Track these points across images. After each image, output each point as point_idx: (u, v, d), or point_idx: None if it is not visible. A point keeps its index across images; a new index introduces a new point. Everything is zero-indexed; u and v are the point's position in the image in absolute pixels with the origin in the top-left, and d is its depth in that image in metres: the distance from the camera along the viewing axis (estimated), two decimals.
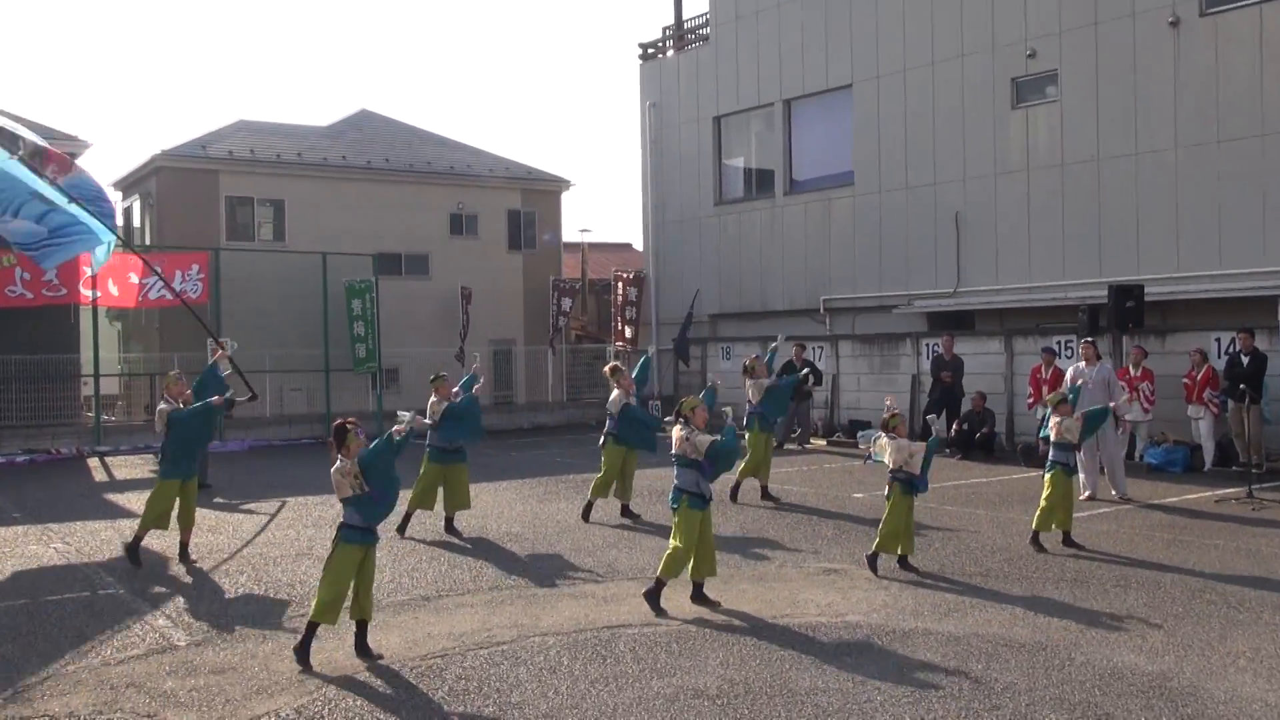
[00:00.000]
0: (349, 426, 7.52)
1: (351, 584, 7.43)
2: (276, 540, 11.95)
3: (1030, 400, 18.06)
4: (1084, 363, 14.32)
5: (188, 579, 10.09)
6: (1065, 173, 21.26)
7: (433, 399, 12.32)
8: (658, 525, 12.35)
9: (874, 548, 9.83)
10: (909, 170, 23.82)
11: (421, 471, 12.27)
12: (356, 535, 7.39)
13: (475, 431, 12.30)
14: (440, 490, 12.27)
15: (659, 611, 8.45)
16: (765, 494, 14.27)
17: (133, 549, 10.73)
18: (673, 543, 8.69)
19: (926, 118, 23.46)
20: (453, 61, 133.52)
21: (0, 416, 22.21)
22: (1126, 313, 17.25)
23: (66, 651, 7.70)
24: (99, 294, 22.79)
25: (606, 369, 13.11)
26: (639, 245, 39.09)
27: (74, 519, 13.65)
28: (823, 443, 21.94)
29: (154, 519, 10.83)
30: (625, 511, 13.04)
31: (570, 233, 36.11)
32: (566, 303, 30.40)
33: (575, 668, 7.12)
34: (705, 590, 8.82)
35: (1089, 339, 14.97)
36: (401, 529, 12.07)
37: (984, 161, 22.49)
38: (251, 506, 14.44)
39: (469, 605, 8.86)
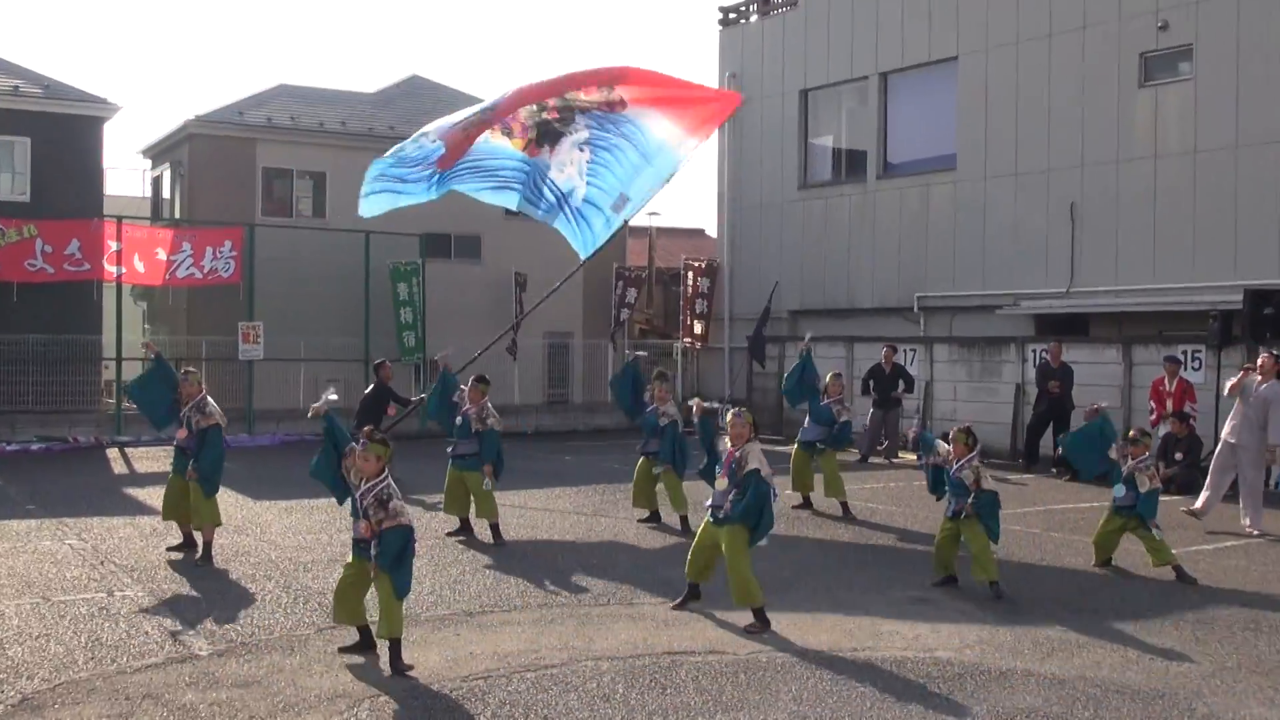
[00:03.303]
0: (359, 440, 8.05)
1: (351, 587, 7.98)
2: (308, 545, 12.11)
3: (1153, 416, 17.75)
4: (1260, 376, 13.62)
5: (211, 584, 10.25)
6: (1198, 161, 20.85)
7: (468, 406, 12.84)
8: None
9: (986, 579, 10.05)
10: (1019, 155, 23.51)
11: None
12: (355, 547, 8.00)
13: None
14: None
15: (764, 625, 8.71)
16: (846, 511, 14.53)
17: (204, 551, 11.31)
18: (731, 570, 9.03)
19: (1040, 96, 23.14)
20: (511, 24, 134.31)
21: (15, 401, 22.75)
22: (1264, 320, 16.87)
23: (80, 657, 7.86)
24: (124, 270, 23.25)
25: (654, 373, 14.10)
26: (713, 231, 39.05)
27: (91, 514, 13.95)
28: (913, 457, 21.73)
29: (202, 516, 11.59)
30: (685, 524, 13.24)
31: (637, 216, 36.22)
32: (631, 293, 30.46)
33: (631, 697, 7.11)
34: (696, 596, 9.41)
35: (1273, 351, 14.36)
36: (459, 532, 12.77)
37: (1105, 146, 22.13)
38: (282, 506, 14.64)
39: (516, 623, 8.91)
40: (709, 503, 9.20)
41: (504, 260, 29.53)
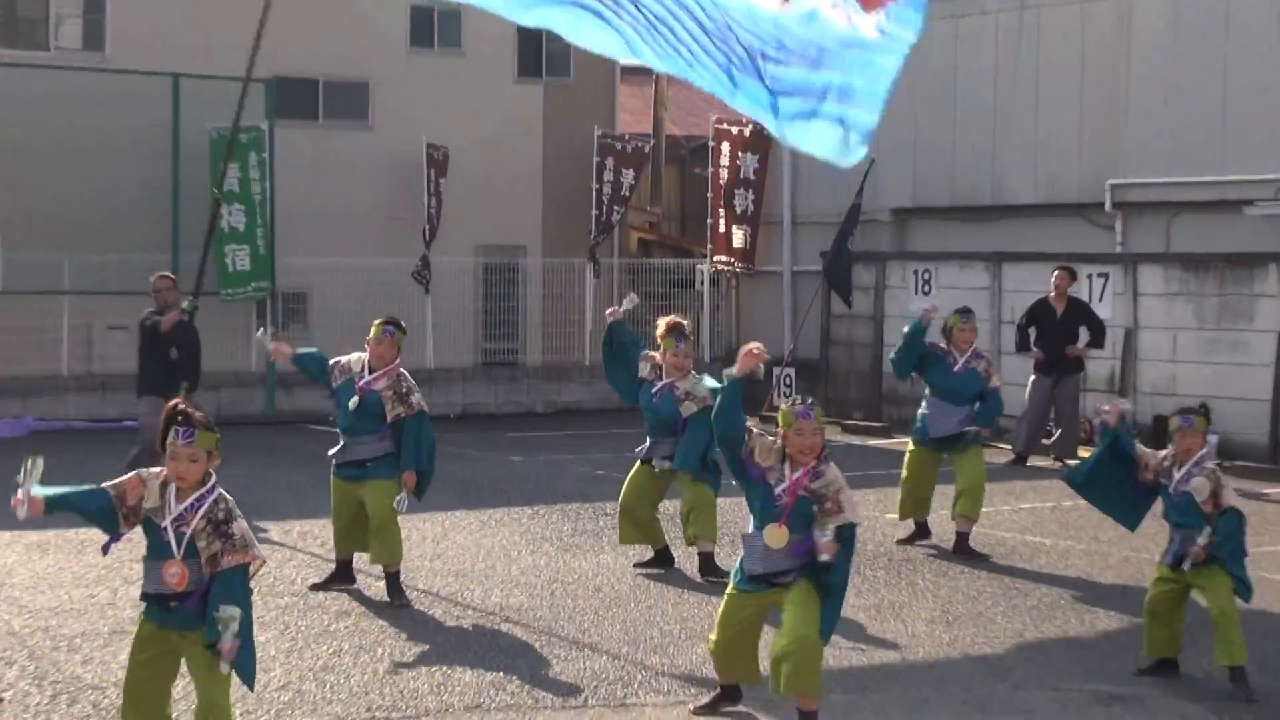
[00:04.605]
0: (179, 415, 7.64)
1: (150, 678, 7.73)
2: (75, 605, 12.06)
3: None
4: None
5: None
6: None
7: (358, 355, 12.63)
8: None
9: (1227, 664, 9.96)
10: None
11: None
12: (148, 609, 7.76)
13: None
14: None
15: None
16: (963, 545, 14.58)
17: None
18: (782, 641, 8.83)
19: None
20: None
21: None
22: None
23: None
24: None
25: (662, 323, 13.71)
26: None
27: None
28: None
29: None
30: (706, 565, 13.37)
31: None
32: (626, 177, 30.26)
33: None
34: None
35: None
36: (332, 581, 12.78)
37: None
38: (31, 541, 14.59)
39: None
40: (757, 568, 8.83)
41: (409, 124, 29.28)
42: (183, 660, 7.69)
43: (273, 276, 25.90)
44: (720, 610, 9.14)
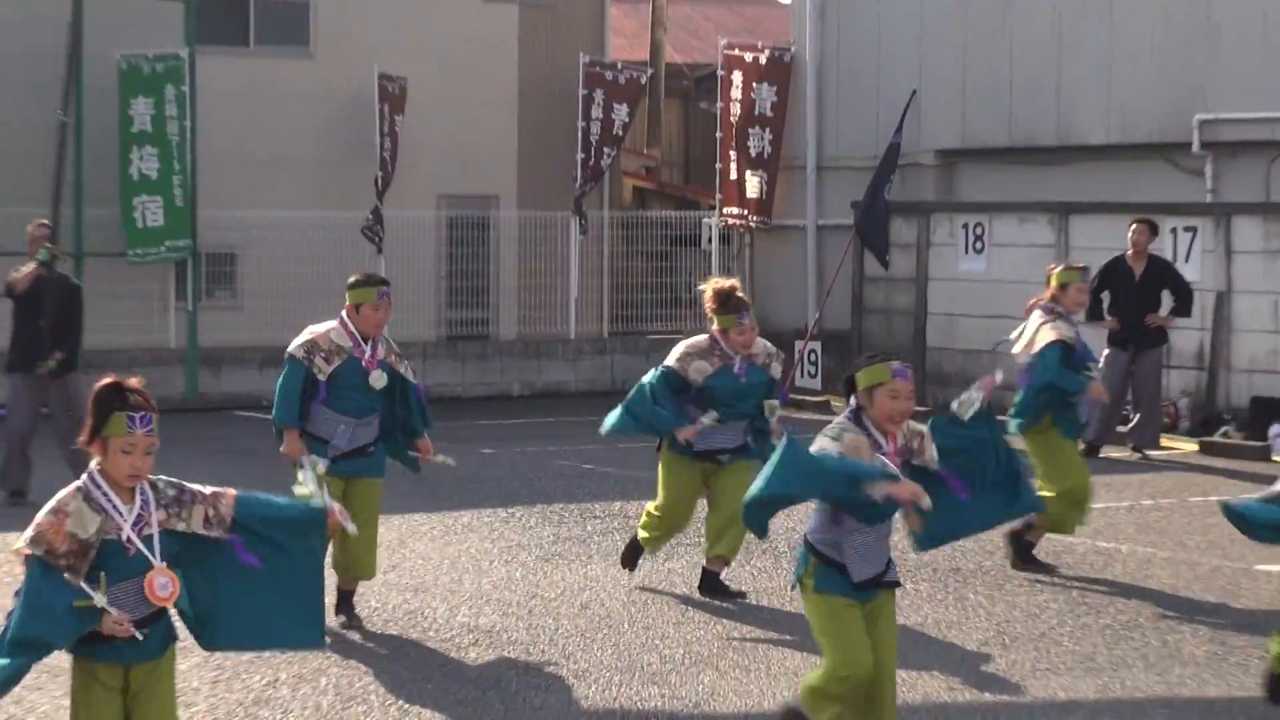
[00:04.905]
0: (125, 395, 7.37)
1: None
2: None
3: None
4: None
5: None
6: None
7: (332, 327, 12.49)
8: (788, 613, 12.35)
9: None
10: None
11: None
12: (102, 648, 7.22)
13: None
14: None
15: None
16: (1024, 554, 14.34)
17: None
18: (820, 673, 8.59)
19: None
20: None
21: None
22: None
23: None
24: None
25: (709, 291, 13.43)
26: None
27: None
28: (1190, 446, 21.65)
29: None
30: (711, 583, 13.29)
31: None
32: (618, 113, 30.24)
33: None
34: None
35: None
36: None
37: None
38: None
39: None
40: (869, 570, 8.37)
41: (357, 50, 29.23)
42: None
43: (193, 234, 25.82)
44: (838, 636, 8.38)
